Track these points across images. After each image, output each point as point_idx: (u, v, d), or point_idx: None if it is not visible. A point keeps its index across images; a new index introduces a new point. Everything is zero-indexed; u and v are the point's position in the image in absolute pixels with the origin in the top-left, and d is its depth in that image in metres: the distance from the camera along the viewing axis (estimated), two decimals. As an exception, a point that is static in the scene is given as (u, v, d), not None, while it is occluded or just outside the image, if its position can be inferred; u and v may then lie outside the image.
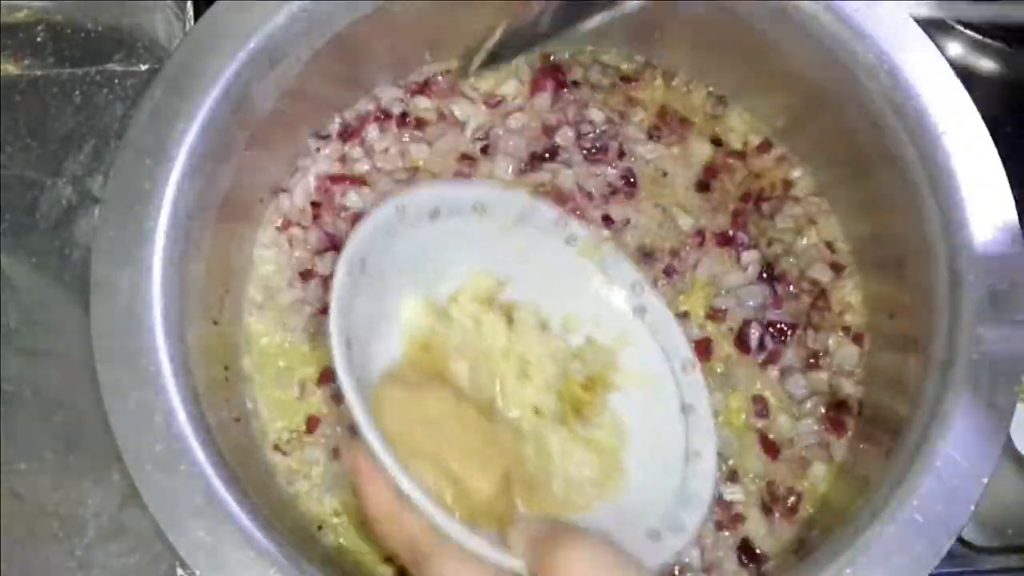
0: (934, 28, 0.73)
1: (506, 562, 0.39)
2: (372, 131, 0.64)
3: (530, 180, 0.63)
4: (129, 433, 0.47)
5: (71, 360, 0.61)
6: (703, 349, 0.60)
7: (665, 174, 0.64)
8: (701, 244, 0.63)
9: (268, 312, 0.60)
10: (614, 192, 0.63)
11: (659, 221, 0.63)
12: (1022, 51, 0.74)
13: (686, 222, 0.63)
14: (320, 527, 0.57)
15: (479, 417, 0.46)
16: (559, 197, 0.62)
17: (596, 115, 0.64)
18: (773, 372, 0.60)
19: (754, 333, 0.61)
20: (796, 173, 0.65)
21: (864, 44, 0.54)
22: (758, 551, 0.57)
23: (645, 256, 0.62)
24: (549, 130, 0.64)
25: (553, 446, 0.48)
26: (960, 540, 0.56)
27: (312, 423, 0.58)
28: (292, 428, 0.59)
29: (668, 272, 0.62)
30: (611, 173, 0.64)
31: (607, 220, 0.63)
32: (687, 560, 0.56)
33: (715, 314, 0.61)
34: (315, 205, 0.62)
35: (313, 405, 0.59)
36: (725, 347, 0.61)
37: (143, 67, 0.67)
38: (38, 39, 0.67)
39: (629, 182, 0.63)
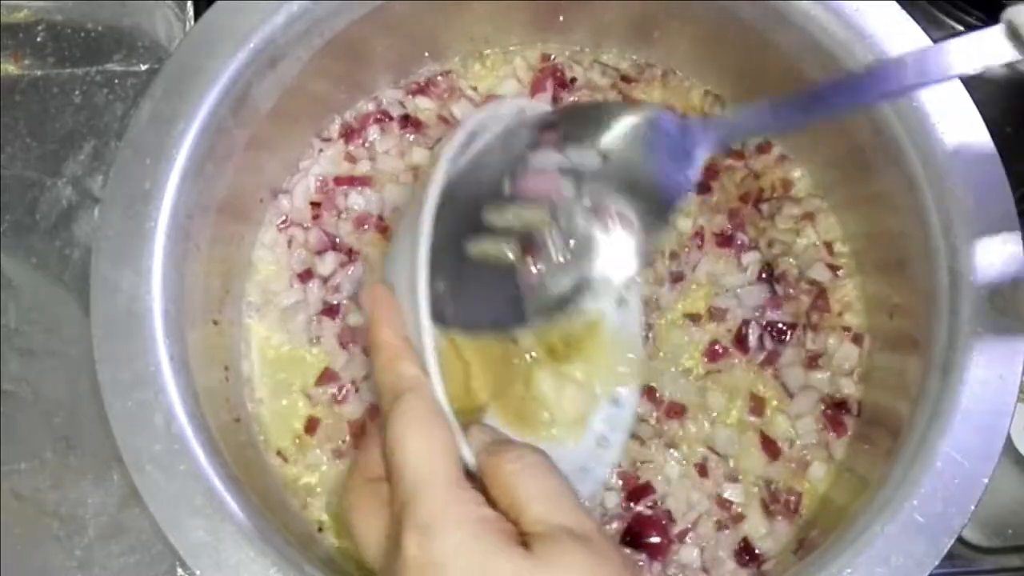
0: (934, 28, 0.73)
1: (463, 446, 0.41)
2: (373, 132, 0.64)
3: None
4: (129, 433, 0.47)
5: (71, 360, 0.62)
6: (711, 353, 0.61)
7: (665, 174, 0.64)
8: (701, 245, 0.63)
9: (268, 313, 0.60)
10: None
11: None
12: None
13: (686, 223, 0.63)
14: (320, 528, 0.56)
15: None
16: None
17: (596, 115, 0.64)
18: (773, 372, 0.60)
19: (753, 333, 0.61)
20: (796, 173, 0.65)
21: (864, 44, 0.54)
22: (758, 551, 0.57)
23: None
24: (549, 130, 0.64)
25: (543, 381, 0.53)
26: (960, 540, 0.55)
27: (312, 424, 0.58)
28: (292, 429, 0.59)
29: (668, 273, 0.62)
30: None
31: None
32: (687, 560, 0.56)
33: (715, 314, 0.61)
34: (315, 205, 0.62)
35: (313, 407, 0.59)
36: (725, 347, 0.61)
37: (143, 67, 0.67)
38: (38, 39, 0.67)
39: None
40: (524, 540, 0.37)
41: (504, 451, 0.40)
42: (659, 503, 0.57)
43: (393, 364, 0.42)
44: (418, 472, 0.38)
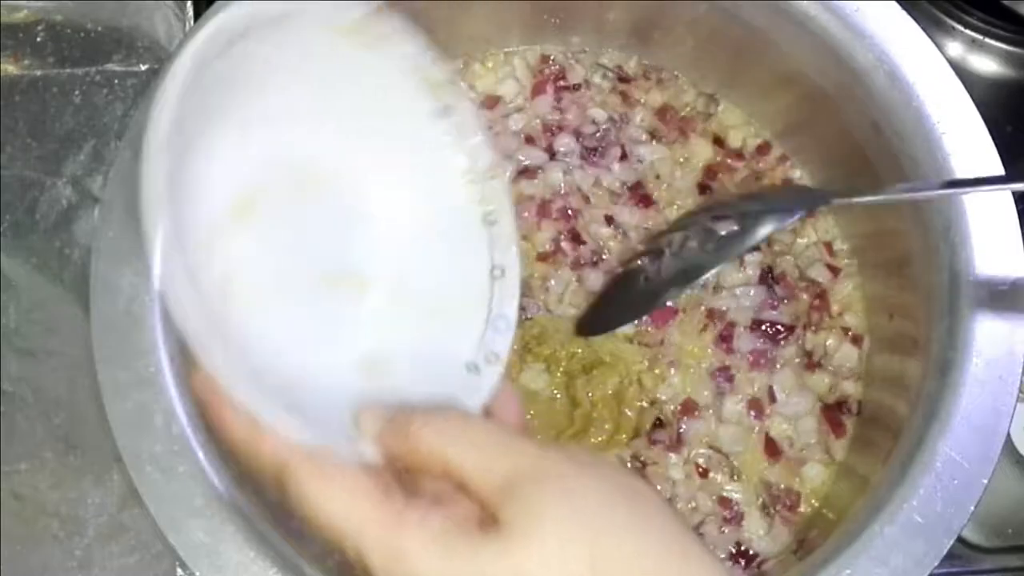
0: (934, 28, 0.73)
1: (357, 449, 0.37)
2: (372, 131, 0.64)
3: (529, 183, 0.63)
4: (129, 433, 0.47)
5: (71, 360, 0.61)
6: (721, 376, 0.60)
7: (661, 175, 0.64)
8: (701, 244, 0.63)
9: (268, 312, 0.60)
10: (617, 195, 0.63)
11: (659, 222, 0.63)
12: (1022, 51, 0.74)
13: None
14: (320, 527, 0.56)
15: None
16: (557, 200, 0.62)
17: (598, 114, 0.64)
18: (773, 372, 0.60)
19: (748, 334, 0.61)
20: (796, 173, 0.65)
21: (864, 44, 0.54)
22: (757, 551, 0.57)
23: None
24: (550, 132, 0.64)
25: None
26: (960, 540, 0.55)
27: (312, 423, 0.58)
28: (292, 428, 0.58)
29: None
30: (611, 177, 0.64)
31: (609, 220, 0.63)
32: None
33: (714, 314, 0.61)
34: (315, 205, 0.62)
35: (313, 405, 0.59)
36: (724, 347, 0.61)
37: (143, 67, 0.67)
38: (38, 39, 0.67)
39: (639, 193, 0.63)
40: (486, 511, 0.34)
41: (406, 425, 0.36)
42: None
43: (255, 450, 0.37)
44: (355, 528, 0.35)
